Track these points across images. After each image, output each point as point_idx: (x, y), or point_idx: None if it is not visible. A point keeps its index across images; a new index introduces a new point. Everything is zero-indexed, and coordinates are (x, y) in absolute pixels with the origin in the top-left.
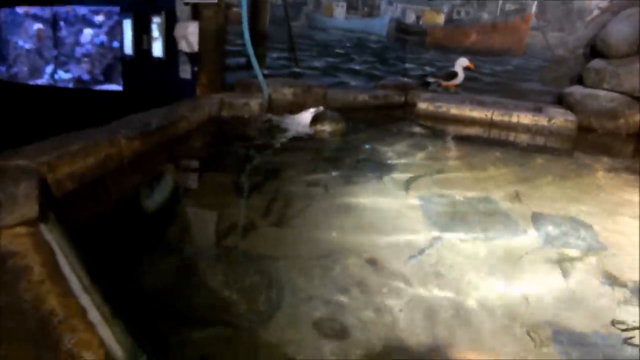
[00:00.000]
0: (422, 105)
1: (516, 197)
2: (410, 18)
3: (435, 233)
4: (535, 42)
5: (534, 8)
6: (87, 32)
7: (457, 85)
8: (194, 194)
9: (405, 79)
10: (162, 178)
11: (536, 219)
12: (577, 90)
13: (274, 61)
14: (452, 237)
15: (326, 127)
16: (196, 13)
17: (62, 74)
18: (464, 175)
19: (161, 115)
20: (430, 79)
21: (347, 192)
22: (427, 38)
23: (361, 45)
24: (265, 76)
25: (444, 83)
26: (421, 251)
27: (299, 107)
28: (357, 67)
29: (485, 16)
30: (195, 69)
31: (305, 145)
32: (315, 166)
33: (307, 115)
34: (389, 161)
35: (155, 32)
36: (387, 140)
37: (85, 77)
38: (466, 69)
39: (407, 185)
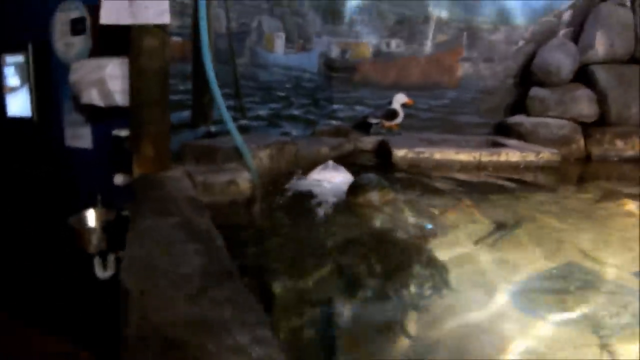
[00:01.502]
0: (400, 153)
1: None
2: (336, 52)
3: None
4: (467, 74)
5: (464, 39)
6: None
7: (397, 125)
8: None
9: (338, 123)
10: None
11: None
12: (525, 120)
13: (219, 111)
14: None
15: (374, 198)
16: (123, 44)
17: None
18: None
19: None
20: (373, 120)
21: None
22: (356, 74)
23: (297, 86)
24: (215, 134)
25: (387, 123)
26: None
27: (275, 173)
28: (296, 112)
29: (417, 48)
30: (122, 134)
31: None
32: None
33: (319, 180)
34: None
35: (14, 79)
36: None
37: None
38: (404, 105)
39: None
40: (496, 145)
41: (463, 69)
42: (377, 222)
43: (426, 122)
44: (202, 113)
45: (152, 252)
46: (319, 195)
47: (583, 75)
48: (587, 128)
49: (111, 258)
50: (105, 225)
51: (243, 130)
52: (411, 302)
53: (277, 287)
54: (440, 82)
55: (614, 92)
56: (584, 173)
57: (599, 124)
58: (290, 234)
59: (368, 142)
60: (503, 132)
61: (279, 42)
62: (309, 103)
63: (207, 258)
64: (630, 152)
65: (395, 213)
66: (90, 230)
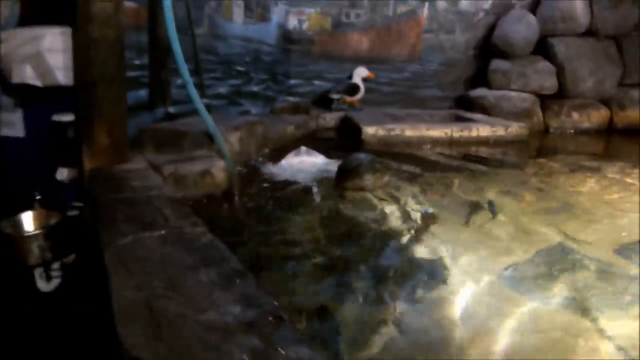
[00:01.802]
0: (370, 131)
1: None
2: (293, 23)
3: None
4: (428, 45)
5: (425, 10)
6: None
7: (359, 100)
8: None
9: (297, 99)
10: None
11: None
12: (488, 93)
13: (179, 90)
14: None
15: (367, 182)
16: (63, 10)
17: None
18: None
19: None
20: (334, 95)
21: None
22: (314, 46)
23: (257, 59)
24: (175, 116)
25: (349, 99)
26: None
27: (245, 158)
28: (255, 89)
29: (377, 19)
30: (64, 119)
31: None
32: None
33: (296, 164)
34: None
35: None
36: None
37: None
38: (365, 79)
39: None
40: (460, 119)
41: (424, 41)
42: (377, 210)
43: (388, 96)
44: (161, 92)
45: (151, 286)
46: (302, 182)
47: (542, 48)
48: (544, 100)
49: (55, 266)
50: (47, 231)
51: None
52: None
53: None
54: (401, 55)
55: (571, 65)
56: (547, 146)
57: (556, 97)
58: (286, 236)
59: (330, 118)
60: (465, 105)
61: (238, 11)
62: (267, 78)
63: (234, 292)
64: (586, 124)
65: (390, 197)
66: (30, 237)
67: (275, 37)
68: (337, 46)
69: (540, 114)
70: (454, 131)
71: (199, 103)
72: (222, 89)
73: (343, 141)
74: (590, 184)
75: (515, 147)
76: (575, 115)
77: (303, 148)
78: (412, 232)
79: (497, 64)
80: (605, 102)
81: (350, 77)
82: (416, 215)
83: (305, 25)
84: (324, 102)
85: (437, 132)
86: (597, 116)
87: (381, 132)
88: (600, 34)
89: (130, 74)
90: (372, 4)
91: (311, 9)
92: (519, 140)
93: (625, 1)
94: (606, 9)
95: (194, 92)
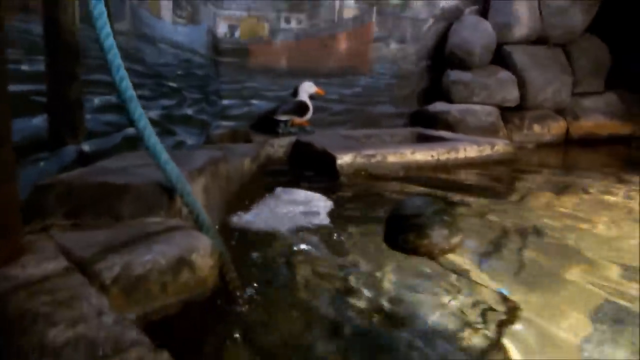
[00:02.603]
0: (345, 159)
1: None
2: (223, 29)
3: None
4: (379, 56)
5: (373, 16)
6: None
7: (308, 121)
8: None
9: (233, 123)
10: None
11: None
12: (452, 107)
13: (98, 115)
14: None
15: (438, 243)
16: None
17: None
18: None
19: None
20: (282, 117)
21: None
22: (249, 58)
23: (189, 74)
24: (94, 157)
25: (298, 120)
26: None
27: (210, 213)
28: (190, 112)
29: (322, 25)
30: None
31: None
32: None
33: (285, 213)
34: None
35: None
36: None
37: None
38: (312, 97)
39: None
40: (424, 138)
41: (375, 50)
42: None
43: (338, 115)
44: (68, 118)
45: None
46: (310, 242)
47: (498, 57)
48: (504, 113)
49: None
50: None
51: (131, 144)
52: None
53: None
54: (351, 66)
55: (530, 75)
56: (526, 163)
57: (513, 110)
58: None
59: (279, 146)
60: (423, 122)
61: (166, 5)
62: (201, 98)
63: None
64: (547, 137)
65: (461, 267)
66: None
67: (207, 45)
68: (276, 57)
69: (504, 128)
70: (440, 153)
71: (150, 133)
72: (153, 113)
73: (303, 174)
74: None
75: (505, 167)
76: (536, 128)
77: (279, 189)
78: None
79: (457, 75)
80: (560, 112)
81: (295, 94)
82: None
83: (237, 32)
84: (266, 125)
85: (423, 155)
86: (557, 128)
87: (359, 159)
88: (550, 42)
89: (14, 88)
90: (314, 9)
91: (244, 12)
92: (506, 159)
93: (572, 7)
94: (554, 15)
95: (140, 114)
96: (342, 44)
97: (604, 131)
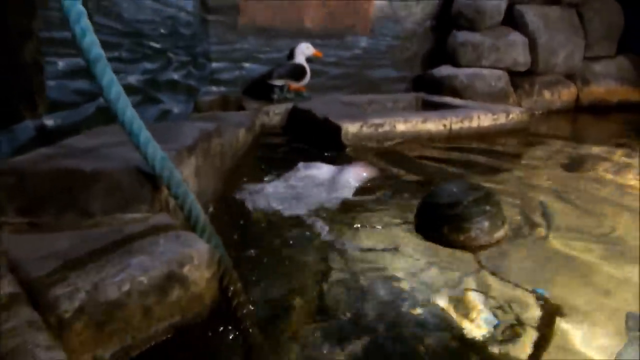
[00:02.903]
0: (351, 129)
1: None
2: None
3: None
4: (380, 15)
5: None
6: None
7: (304, 86)
8: None
9: (222, 89)
10: None
11: None
12: (459, 72)
13: (64, 81)
14: None
15: (478, 236)
16: None
17: None
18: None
19: None
20: (277, 82)
21: None
22: (240, 16)
23: (175, 33)
24: (56, 133)
25: (294, 85)
26: None
27: (205, 199)
28: (176, 76)
29: None
30: None
31: None
32: None
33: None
34: None
35: None
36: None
37: None
38: (309, 59)
39: None
40: (430, 105)
41: (376, 9)
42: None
43: (336, 79)
44: (24, 87)
45: None
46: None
47: (508, 17)
48: (513, 78)
49: None
50: None
51: (108, 116)
52: None
53: None
54: (350, 26)
55: (543, 37)
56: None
57: (523, 74)
58: None
59: (274, 113)
60: (427, 87)
61: None
62: (188, 60)
63: None
64: (557, 104)
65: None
66: None
67: (194, 1)
68: (269, 16)
69: (514, 94)
70: (453, 122)
71: (125, 104)
72: (133, 78)
73: (303, 145)
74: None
75: (518, 137)
76: (546, 94)
77: (301, 164)
78: None
79: (464, 36)
80: (570, 77)
81: (290, 56)
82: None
83: None
84: (260, 91)
85: (435, 124)
86: (567, 94)
87: (366, 129)
88: (564, 1)
89: None
90: None
91: None
92: (521, 128)
93: None
94: None
95: (110, 80)
96: (341, 2)
97: (614, 97)
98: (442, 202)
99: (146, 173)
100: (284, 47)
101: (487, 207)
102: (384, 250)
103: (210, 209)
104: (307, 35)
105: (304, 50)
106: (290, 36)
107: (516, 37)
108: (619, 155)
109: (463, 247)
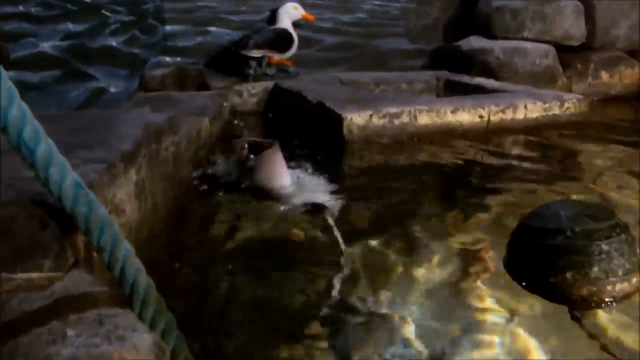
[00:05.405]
0: (357, 120)
1: None
2: None
3: None
4: None
5: None
6: None
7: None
8: None
9: (179, 60)
10: None
11: None
12: (494, 45)
13: None
14: None
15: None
16: None
17: None
18: None
19: None
20: (254, 52)
21: None
22: None
23: None
24: None
25: (277, 57)
26: None
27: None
28: (114, 43)
29: None
30: None
31: None
32: None
33: None
34: None
35: None
36: None
37: None
38: (297, 24)
39: None
40: (456, 87)
41: None
42: None
43: (332, 51)
44: None
45: None
46: None
47: None
48: (561, 55)
49: None
50: None
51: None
52: None
53: None
54: None
55: (602, 3)
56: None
57: (574, 50)
58: None
59: (249, 94)
60: (451, 63)
61: None
62: (131, 21)
63: None
64: (618, 88)
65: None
66: None
67: None
68: None
69: (562, 75)
70: (493, 112)
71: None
72: (48, 44)
73: (287, 138)
74: None
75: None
76: (604, 76)
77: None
78: None
79: None
80: (633, 55)
81: (272, 19)
82: None
83: None
84: (231, 63)
85: (468, 115)
86: (630, 75)
87: (377, 120)
88: None
89: None
90: None
91: None
92: (577, 120)
93: None
94: None
95: None
96: None
97: None
98: (553, 228)
99: (51, 208)
100: (264, 7)
101: (625, 248)
102: None
103: (160, 250)
104: None
105: (290, 12)
106: None
107: (568, 2)
108: None
109: (594, 302)
